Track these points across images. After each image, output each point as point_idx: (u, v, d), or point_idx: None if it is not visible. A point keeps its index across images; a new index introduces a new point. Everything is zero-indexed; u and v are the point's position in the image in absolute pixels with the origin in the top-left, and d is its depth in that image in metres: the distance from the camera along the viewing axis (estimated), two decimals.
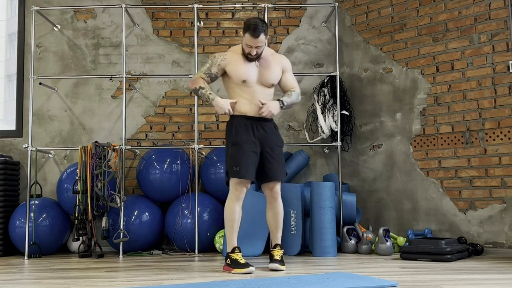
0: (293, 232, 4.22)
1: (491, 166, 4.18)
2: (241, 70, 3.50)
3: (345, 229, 4.33)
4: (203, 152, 4.85)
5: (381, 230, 4.09)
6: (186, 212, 4.53)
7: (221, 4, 5.16)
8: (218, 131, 5.10)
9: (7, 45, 23.12)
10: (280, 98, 3.58)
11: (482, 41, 4.27)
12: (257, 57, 3.52)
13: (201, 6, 4.86)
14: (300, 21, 5.22)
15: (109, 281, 2.99)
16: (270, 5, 5.01)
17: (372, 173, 4.84)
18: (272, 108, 3.48)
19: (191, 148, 4.66)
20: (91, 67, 5.13)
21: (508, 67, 4.13)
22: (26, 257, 4.35)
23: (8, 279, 3.20)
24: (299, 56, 5.17)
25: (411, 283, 2.72)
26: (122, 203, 4.42)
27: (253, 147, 3.47)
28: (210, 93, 3.51)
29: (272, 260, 3.47)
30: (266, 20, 4.77)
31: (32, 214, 4.46)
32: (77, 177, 4.45)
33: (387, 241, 4.08)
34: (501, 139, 4.14)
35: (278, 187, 3.56)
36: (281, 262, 3.44)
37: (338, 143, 4.67)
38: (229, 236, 3.49)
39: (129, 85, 5.01)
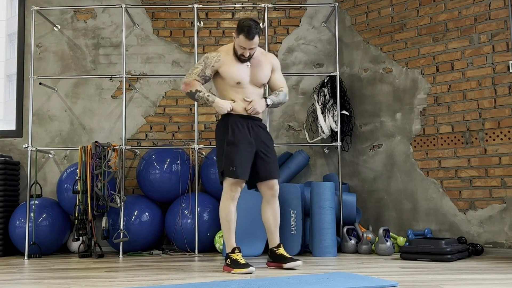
0: (293, 232, 4.22)
1: (491, 166, 4.18)
2: (235, 71, 3.49)
3: (345, 229, 4.33)
4: (203, 152, 4.85)
5: (381, 230, 4.09)
6: (186, 212, 4.53)
7: (221, 4, 5.16)
8: None
9: (7, 45, 23.12)
10: (267, 97, 3.60)
11: (482, 41, 4.27)
12: (248, 60, 3.52)
13: (201, 6, 4.86)
14: (300, 21, 5.22)
15: (109, 281, 2.99)
16: (270, 5, 5.01)
17: (372, 173, 4.84)
18: (258, 106, 3.50)
19: (191, 148, 4.66)
20: (91, 67, 5.13)
21: (508, 67, 4.13)
22: (26, 257, 4.35)
23: (8, 279, 3.20)
24: (299, 56, 5.17)
25: (411, 283, 2.72)
26: (122, 203, 4.42)
27: (248, 146, 3.47)
28: (208, 95, 3.50)
29: (287, 259, 3.43)
30: (266, 20, 4.78)
31: (32, 214, 4.46)
32: (77, 177, 4.45)
33: (387, 241, 4.08)
34: (501, 139, 4.14)
35: (277, 185, 3.56)
36: (294, 258, 3.45)
37: (338, 143, 4.66)
38: (227, 237, 3.48)
39: (129, 85, 5.01)
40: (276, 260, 3.50)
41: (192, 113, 5.04)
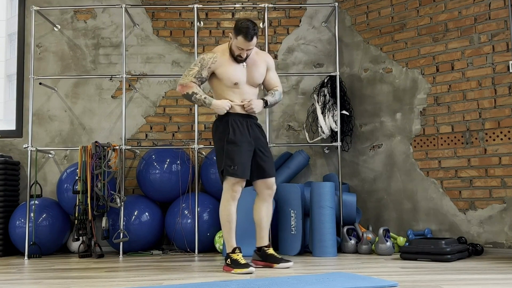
0: (293, 232, 4.22)
1: (491, 166, 4.18)
2: (232, 72, 3.49)
3: (345, 229, 4.33)
4: (203, 152, 4.85)
5: (381, 230, 4.09)
6: (186, 212, 4.53)
7: (221, 4, 5.16)
8: None
9: (7, 45, 23.12)
10: (265, 98, 3.60)
11: (482, 41, 4.27)
12: (246, 59, 3.52)
13: (201, 6, 4.86)
14: (300, 21, 5.22)
15: (109, 281, 2.99)
16: (270, 5, 5.01)
17: (372, 173, 4.84)
18: (255, 106, 3.50)
19: (191, 148, 4.66)
20: (91, 67, 5.13)
21: (508, 67, 4.13)
22: (26, 257, 4.35)
23: (8, 279, 3.20)
24: (299, 56, 5.17)
25: (411, 283, 2.72)
26: (122, 203, 4.42)
27: (248, 145, 3.47)
28: (205, 98, 3.48)
29: (278, 259, 3.47)
30: (266, 20, 4.78)
31: (32, 214, 4.46)
32: (77, 177, 4.45)
33: (387, 241, 4.08)
34: (501, 139, 4.14)
35: (275, 184, 3.58)
36: (285, 259, 3.49)
37: (338, 143, 4.66)
38: (228, 237, 3.48)
39: (129, 85, 5.01)
40: (266, 259, 3.51)
41: (192, 113, 5.04)
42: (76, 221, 4.33)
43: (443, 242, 3.67)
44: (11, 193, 4.79)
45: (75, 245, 4.66)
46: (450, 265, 3.46)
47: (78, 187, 4.38)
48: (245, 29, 3.37)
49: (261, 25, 5.08)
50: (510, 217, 4.07)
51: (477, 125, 4.27)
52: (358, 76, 5.00)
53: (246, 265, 3.29)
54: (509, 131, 4.11)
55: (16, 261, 4.25)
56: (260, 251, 3.56)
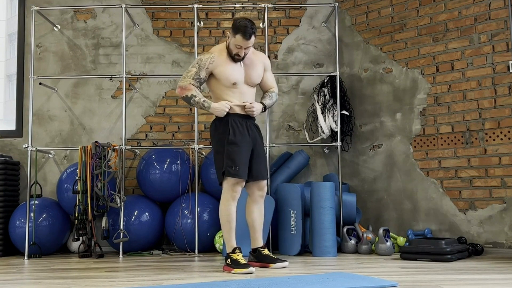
0: (293, 232, 4.22)
1: (491, 166, 4.18)
2: (230, 72, 3.49)
3: (345, 229, 4.33)
4: (203, 152, 4.85)
5: (381, 230, 4.09)
6: (186, 212, 4.53)
7: (221, 4, 5.16)
8: None
9: (7, 45, 23.12)
10: (263, 102, 3.62)
11: (482, 41, 4.27)
12: (242, 60, 3.52)
13: (201, 6, 4.86)
14: (300, 21, 5.22)
15: (109, 281, 2.99)
16: (270, 5, 5.01)
17: (372, 173, 4.84)
18: (256, 109, 3.52)
19: (191, 148, 4.66)
20: (91, 67, 5.13)
21: (508, 67, 4.13)
22: (26, 257, 4.35)
23: (8, 279, 3.20)
24: (299, 56, 5.17)
25: (411, 283, 2.72)
26: (122, 203, 4.42)
27: (248, 146, 3.47)
28: (204, 101, 3.47)
29: (274, 259, 3.48)
30: (266, 20, 4.78)
31: (32, 214, 4.46)
32: (77, 177, 4.45)
33: (387, 241, 4.08)
34: (501, 139, 4.14)
35: (266, 186, 3.59)
36: (280, 259, 3.50)
37: (338, 143, 4.66)
38: (228, 238, 3.48)
39: (129, 85, 5.01)
40: (262, 260, 3.52)
41: (192, 113, 5.04)
42: (76, 221, 4.33)
43: (443, 242, 3.67)
44: (11, 193, 4.79)
45: (75, 245, 4.67)
46: (450, 265, 3.46)
47: (78, 187, 4.38)
48: (244, 28, 3.37)
49: (261, 25, 5.08)
50: (510, 217, 4.07)
51: (477, 125, 4.27)
52: (358, 76, 5.00)
53: (246, 265, 3.29)
54: (509, 131, 4.11)
55: (16, 261, 4.25)
56: (255, 252, 3.56)
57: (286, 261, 3.51)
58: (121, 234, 4.39)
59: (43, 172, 5.00)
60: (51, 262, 4.05)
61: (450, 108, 4.43)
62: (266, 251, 3.55)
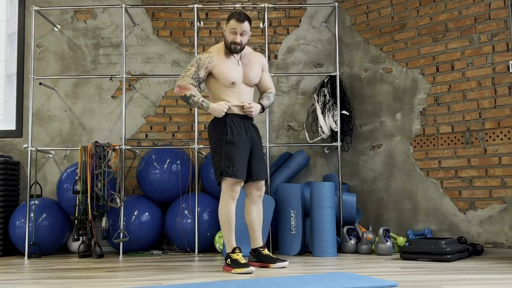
0: (293, 232, 4.22)
1: (491, 166, 4.18)
2: (229, 71, 3.49)
3: (345, 229, 4.33)
4: (203, 152, 4.85)
5: (381, 230, 4.09)
6: (186, 212, 4.53)
7: (221, 4, 5.17)
8: None
9: (7, 45, 23.12)
10: (261, 103, 3.61)
11: (482, 41, 4.27)
12: (240, 48, 3.51)
13: (201, 6, 4.86)
14: (300, 21, 5.22)
15: (109, 281, 2.99)
16: (270, 5, 5.01)
17: (372, 173, 4.84)
18: (254, 110, 3.51)
19: (191, 148, 4.66)
20: (91, 67, 5.13)
21: (508, 67, 4.13)
22: (26, 257, 4.35)
23: (8, 279, 3.20)
24: (299, 56, 5.17)
25: (411, 283, 2.72)
26: (122, 203, 4.42)
27: (246, 146, 3.47)
28: (202, 101, 3.46)
29: (274, 259, 3.48)
30: (266, 20, 4.78)
31: (32, 214, 4.46)
32: (77, 177, 4.45)
33: (387, 241, 4.08)
34: (501, 139, 4.14)
35: (264, 186, 3.59)
36: (280, 259, 3.50)
37: (338, 143, 4.66)
38: (228, 238, 3.48)
39: (129, 85, 5.01)
40: (262, 260, 3.52)
41: (192, 113, 5.04)
42: (76, 221, 4.33)
43: (443, 242, 3.67)
44: (11, 193, 4.79)
45: (75, 245, 4.67)
46: (450, 265, 3.46)
47: (78, 187, 4.38)
48: (237, 13, 3.47)
49: (261, 25, 5.09)
50: (510, 217, 4.07)
51: (477, 125, 4.27)
52: (358, 76, 5.00)
53: (246, 265, 3.29)
54: (509, 131, 4.11)
55: (16, 261, 4.25)
56: (255, 252, 3.57)
57: (286, 261, 3.51)
58: (121, 234, 4.39)
59: (43, 172, 5.00)
60: (51, 262, 4.05)
61: (450, 108, 4.43)
62: (266, 251, 3.55)
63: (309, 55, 5.17)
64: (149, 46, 5.17)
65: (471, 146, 4.30)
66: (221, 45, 3.58)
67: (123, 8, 4.73)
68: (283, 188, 4.34)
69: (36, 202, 4.56)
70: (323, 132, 4.76)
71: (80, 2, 5.16)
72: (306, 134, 5.01)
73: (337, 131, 4.69)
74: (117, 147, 4.56)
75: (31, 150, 4.59)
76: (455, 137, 4.39)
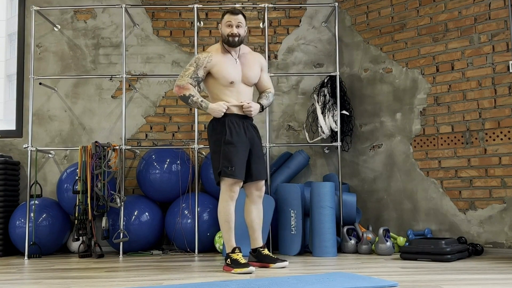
0: (293, 232, 4.22)
1: (491, 166, 4.18)
2: (228, 71, 3.49)
3: (345, 229, 4.33)
4: (203, 152, 4.85)
5: (381, 230, 4.09)
6: (186, 212, 4.53)
7: (221, 4, 5.17)
8: None
9: (7, 45, 23.12)
10: (261, 102, 3.62)
11: (482, 41, 4.27)
12: (239, 40, 3.51)
13: (201, 6, 4.86)
14: (300, 21, 5.22)
15: (109, 281, 2.99)
16: (270, 5, 5.01)
17: (372, 173, 4.84)
18: (254, 109, 3.51)
19: (191, 148, 4.66)
20: (91, 67, 5.13)
21: (508, 67, 4.13)
22: (26, 257, 4.35)
23: (8, 279, 3.20)
24: (299, 56, 5.17)
25: (411, 283, 2.72)
26: (122, 203, 4.42)
27: (245, 147, 3.47)
28: (202, 101, 3.46)
29: (274, 259, 3.48)
30: (266, 20, 4.78)
31: (32, 214, 4.46)
32: (77, 177, 4.45)
33: (387, 241, 4.08)
34: (501, 139, 4.14)
35: (264, 186, 3.59)
36: (280, 259, 3.50)
37: (338, 143, 4.66)
38: (228, 238, 3.48)
39: (129, 85, 5.01)
40: (262, 260, 3.52)
41: (192, 113, 5.04)
42: (76, 221, 4.33)
43: (443, 242, 3.67)
44: (11, 193, 4.79)
45: (75, 245, 4.67)
46: (450, 265, 3.46)
47: (78, 187, 4.38)
48: (231, 9, 3.54)
49: (261, 25, 5.09)
50: (510, 217, 4.07)
51: (477, 125, 4.27)
52: (358, 76, 5.00)
53: (246, 265, 3.29)
54: (509, 131, 4.11)
55: (16, 261, 4.25)
56: (255, 252, 3.57)
57: (286, 261, 3.51)
58: (121, 234, 4.39)
59: (43, 172, 5.00)
60: (51, 262, 4.05)
61: (450, 108, 4.43)
62: (266, 251, 3.55)
63: (309, 55, 5.17)
64: (149, 46, 5.17)
65: (471, 146, 4.30)
66: (219, 44, 3.58)
67: (123, 8, 4.73)
68: (283, 188, 4.34)
69: (36, 202, 4.56)
70: (323, 132, 4.76)
71: (80, 2, 5.16)
72: (306, 134, 5.01)
73: (337, 131, 4.69)
74: (117, 147, 4.57)
75: (31, 150, 4.59)
76: (455, 137, 4.39)
